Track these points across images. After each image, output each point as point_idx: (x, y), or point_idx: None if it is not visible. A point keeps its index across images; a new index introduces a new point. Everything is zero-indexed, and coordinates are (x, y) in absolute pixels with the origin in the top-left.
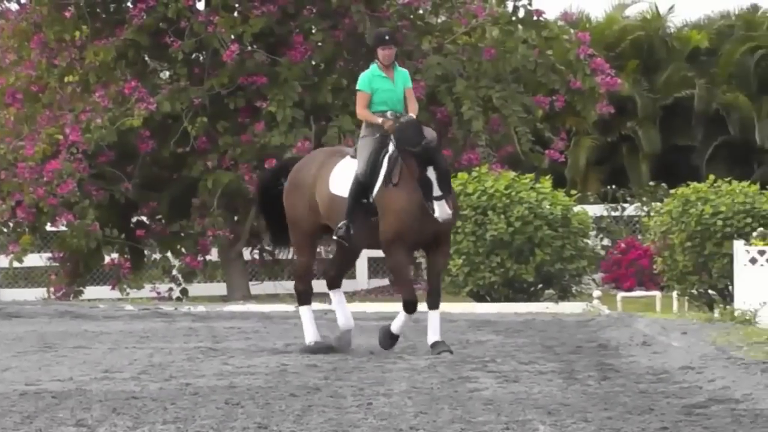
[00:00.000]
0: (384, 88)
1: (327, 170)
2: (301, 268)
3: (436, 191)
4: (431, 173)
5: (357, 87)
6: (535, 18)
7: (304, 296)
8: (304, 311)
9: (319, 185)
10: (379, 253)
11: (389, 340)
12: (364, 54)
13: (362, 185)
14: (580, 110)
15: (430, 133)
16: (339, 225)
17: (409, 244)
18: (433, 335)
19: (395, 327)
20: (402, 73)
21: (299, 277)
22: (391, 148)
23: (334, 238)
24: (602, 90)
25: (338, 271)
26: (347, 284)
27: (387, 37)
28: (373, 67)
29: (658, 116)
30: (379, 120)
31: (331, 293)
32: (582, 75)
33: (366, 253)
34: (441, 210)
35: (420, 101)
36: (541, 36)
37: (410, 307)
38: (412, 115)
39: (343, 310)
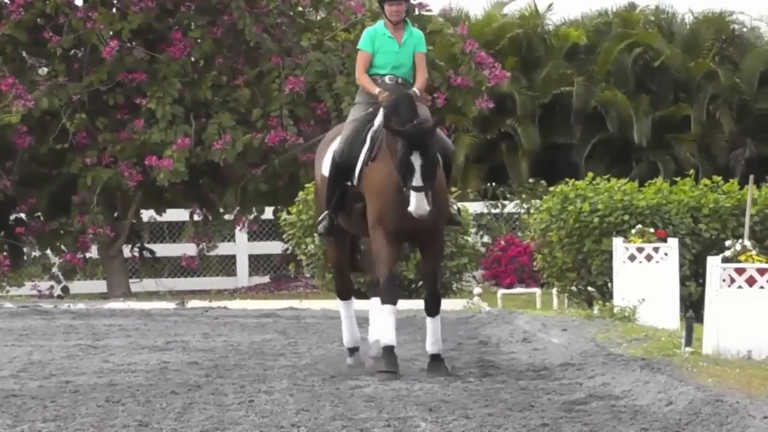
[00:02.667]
0: (387, 49)
1: (328, 148)
2: (329, 262)
3: (417, 180)
4: (416, 159)
5: (358, 45)
6: (417, 12)
7: (339, 292)
8: (341, 308)
9: (317, 165)
10: (258, 250)
11: (389, 357)
12: (244, 51)
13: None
14: (460, 106)
15: (424, 111)
16: (319, 218)
17: (390, 232)
18: (431, 346)
19: (387, 338)
20: (414, 35)
21: (333, 273)
22: (377, 122)
23: (315, 234)
24: (491, 83)
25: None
26: (227, 282)
27: None
28: (379, 24)
29: (537, 114)
30: (376, 90)
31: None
32: (468, 68)
33: (245, 251)
34: (418, 203)
35: (300, 97)
36: (424, 30)
37: (389, 296)
38: (416, 89)
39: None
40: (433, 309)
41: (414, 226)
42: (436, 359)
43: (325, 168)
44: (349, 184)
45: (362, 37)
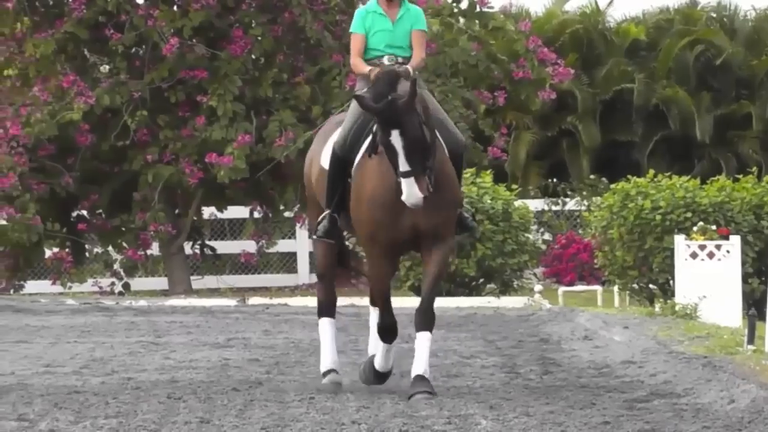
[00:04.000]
0: (380, 27)
1: (328, 139)
2: (317, 267)
3: (403, 165)
4: (396, 139)
5: (350, 29)
6: (479, 9)
7: (321, 306)
8: (321, 326)
9: (315, 159)
10: None
11: (375, 377)
12: (304, 48)
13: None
14: (523, 99)
15: (404, 87)
16: (319, 218)
17: (385, 243)
18: (417, 366)
19: (378, 363)
20: (412, 12)
21: (320, 282)
22: None
23: (313, 237)
24: (555, 80)
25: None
26: (288, 279)
27: None
28: (372, 2)
29: (597, 111)
30: (366, 69)
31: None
32: (531, 65)
33: (306, 248)
34: (409, 191)
35: None
36: (486, 27)
37: (384, 335)
38: (410, 67)
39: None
40: (422, 323)
41: (409, 228)
42: (421, 378)
43: (324, 159)
44: (349, 180)
45: (353, 19)
